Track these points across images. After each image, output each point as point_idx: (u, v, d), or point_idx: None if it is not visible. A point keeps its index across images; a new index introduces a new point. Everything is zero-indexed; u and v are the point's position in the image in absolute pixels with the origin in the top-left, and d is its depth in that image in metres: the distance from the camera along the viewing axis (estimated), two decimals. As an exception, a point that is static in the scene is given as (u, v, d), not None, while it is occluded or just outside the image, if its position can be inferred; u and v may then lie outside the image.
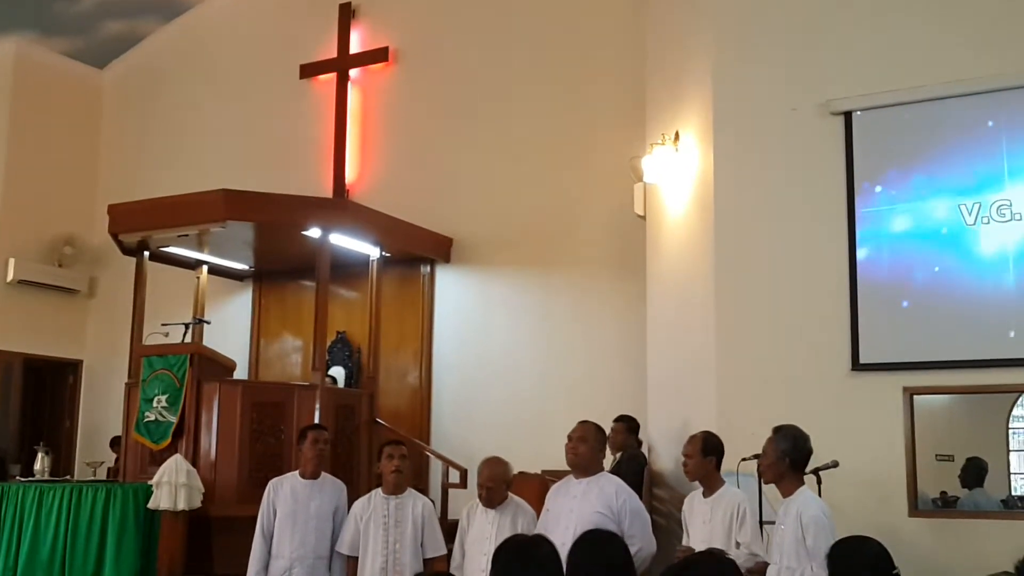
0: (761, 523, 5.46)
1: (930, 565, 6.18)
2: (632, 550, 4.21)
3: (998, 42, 6.88)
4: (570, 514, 5.24)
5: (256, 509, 6.16)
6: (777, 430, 4.98)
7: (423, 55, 11.35)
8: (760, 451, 5.22)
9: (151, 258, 10.17)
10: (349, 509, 6.15)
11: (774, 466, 4.88)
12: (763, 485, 5.25)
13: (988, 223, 6.75)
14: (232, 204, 9.12)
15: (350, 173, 11.55)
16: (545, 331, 10.17)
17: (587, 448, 5.41)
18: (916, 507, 6.73)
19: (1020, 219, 6.66)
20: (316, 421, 8.68)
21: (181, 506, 8.00)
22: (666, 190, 8.44)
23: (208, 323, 10.33)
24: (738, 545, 5.14)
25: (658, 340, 8.70)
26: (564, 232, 10.18)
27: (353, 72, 11.76)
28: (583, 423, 5.52)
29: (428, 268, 10.90)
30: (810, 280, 7.18)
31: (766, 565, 5.04)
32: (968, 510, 6.68)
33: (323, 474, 6.22)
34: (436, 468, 9.82)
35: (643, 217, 9.12)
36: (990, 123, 6.86)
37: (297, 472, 6.18)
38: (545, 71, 10.56)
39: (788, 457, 4.88)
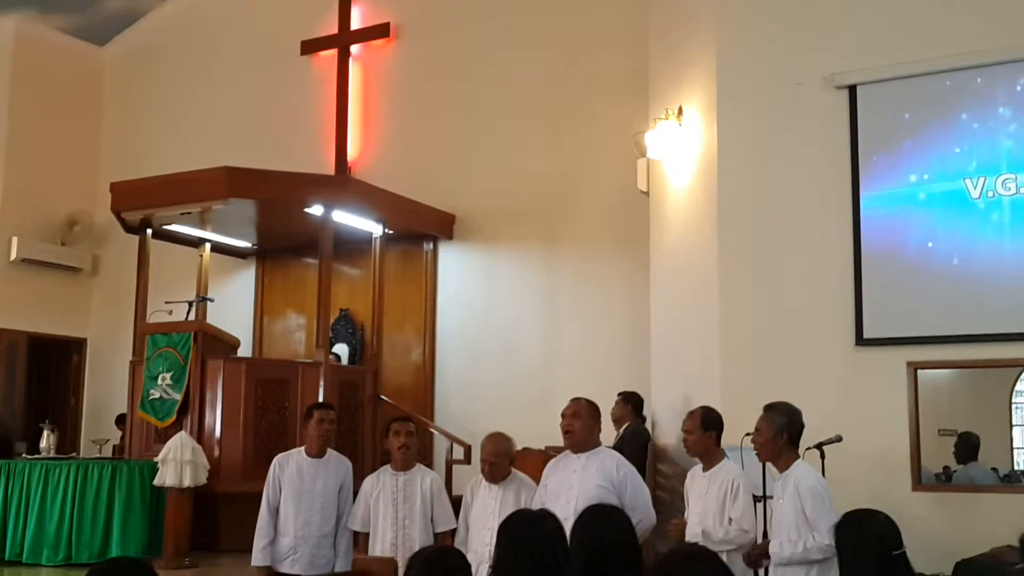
0: (764, 499, 5.47)
1: (933, 539, 6.19)
2: (632, 522, 4.22)
3: (1003, 15, 6.83)
4: (570, 489, 5.26)
5: (262, 485, 6.18)
6: (770, 407, 4.98)
7: (424, 31, 11.30)
8: (758, 428, 5.23)
9: (154, 236, 10.18)
10: (355, 486, 6.18)
11: (771, 443, 4.88)
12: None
13: (994, 197, 6.72)
14: (234, 181, 9.12)
15: (352, 150, 11.53)
16: (548, 307, 10.18)
17: (581, 424, 5.42)
18: (919, 481, 6.75)
19: (1024, 193, 6.63)
20: (320, 398, 8.70)
21: (187, 483, 8.04)
22: (669, 165, 8.42)
23: (211, 301, 10.34)
24: (731, 521, 5.16)
25: (662, 315, 8.70)
26: (567, 208, 10.17)
27: (354, 48, 11.72)
28: (575, 399, 5.53)
29: (431, 245, 10.89)
30: (814, 255, 7.16)
31: (752, 540, 5.08)
32: (964, 484, 6.69)
33: (328, 451, 6.23)
34: (440, 444, 9.85)
35: (646, 193, 9.10)
36: (996, 96, 6.82)
37: (303, 449, 6.19)
38: (547, 47, 10.52)
39: (785, 432, 4.89)
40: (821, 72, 7.24)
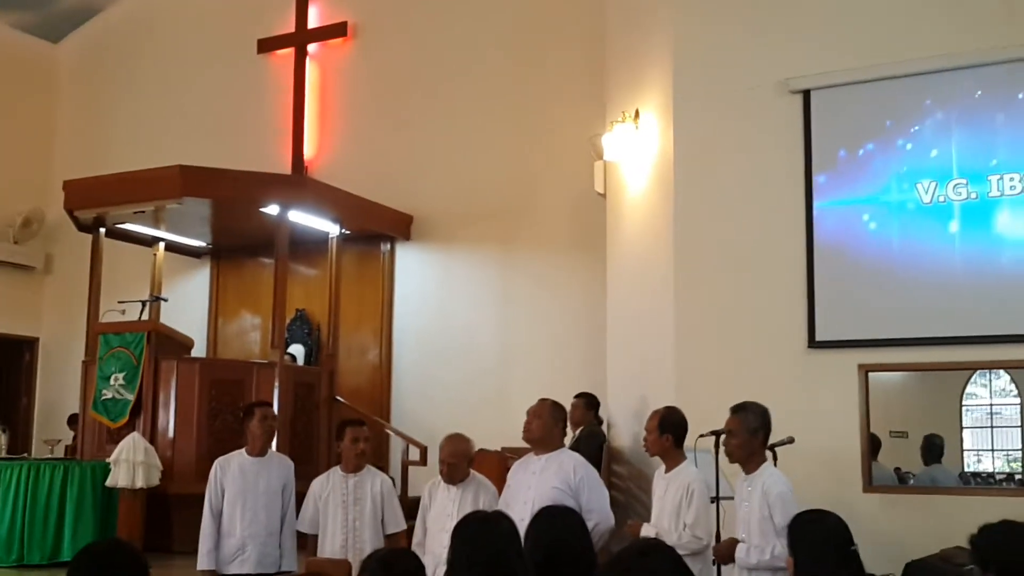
0: (718, 499, 5.50)
1: (884, 540, 6.26)
2: (589, 525, 4.25)
3: (953, 23, 6.92)
4: (528, 490, 5.29)
5: (216, 487, 6.14)
6: (741, 408, 4.94)
7: (382, 31, 11.27)
8: (717, 428, 5.24)
9: (107, 235, 10.08)
10: (298, 486, 6.16)
11: (746, 444, 4.82)
12: (728, 463, 5.27)
13: (944, 202, 6.81)
14: (189, 180, 9.05)
15: (309, 149, 11.47)
16: (505, 308, 10.20)
17: (540, 424, 5.45)
18: (870, 483, 6.83)
19: (975, 198, 6.73)
20: (275, 399, 8.67)
21: (139, 484, 7.98)
22: (626, 168, 8.46)
23: (165, 300, 10.27)
24: (685, 526, 5.18)
25: (618, 317, 8.74)
26: (524, 209, 10.19)
27: (311, 47, 11.67)
28: (541, 400, 5.58)
29: (388, 245, 10.87)
30: (768, 258, 7.23)
31: (705, 547, 5.09)
32: (921, 485, 6.78)
33: (270, 451, 6.21)
34: (396, 446, 9.82)
35: (603, 195, 9.14)
36: (947, 102, 6.91)
37: (244, 450, 6.15)
38: (505, 48, 10.54)
39: (761, 432, 4.87)
40: (776, 77, 7.31)
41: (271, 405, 6.54)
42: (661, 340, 7.56)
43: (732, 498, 5.18)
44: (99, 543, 3.07)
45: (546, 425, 5.47)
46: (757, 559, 4.66)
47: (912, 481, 6.83)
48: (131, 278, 10.56)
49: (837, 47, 7.18)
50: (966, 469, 6.74)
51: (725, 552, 4.91)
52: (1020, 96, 6.73)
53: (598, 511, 5.23)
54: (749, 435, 4.83)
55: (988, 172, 6.71)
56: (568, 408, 8.07)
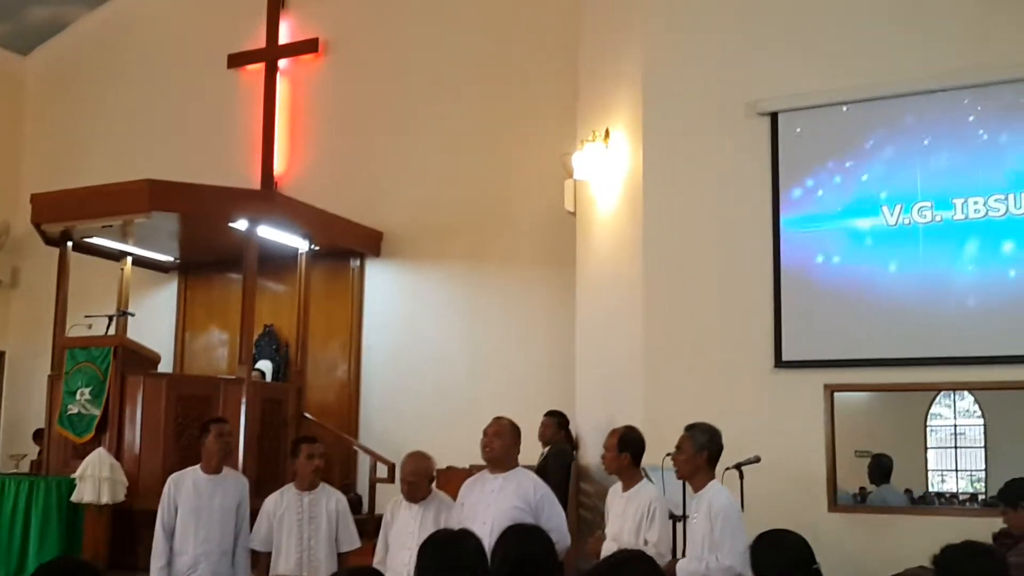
0: (685, 517, 5.53)
1: (849, 559, 6.32)
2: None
3: (917, 46, 7.03)
4: (487, 509, 5.28)
5: (181, 504, 6.10)
6: (692, 427, 5.08)
7: (353, 47, 11.28)
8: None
9: (75, 248, 9.99)
10: (251, 503, 6.14)
11: (691, 460, 4.98)
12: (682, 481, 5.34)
13: (909, 224, 6.89)
14: (157, 195, 8.99)
15: (279, 165, 11.45)
16: (475, 325, 10.19)
17: (501, 443, 5.45)
18: (835, 502, 6.87)
19: (940, 221, 6.82)
20: (242, 415, 8.64)
21: (105, 500, 7.91)
22: (596, 187, 8.51)
23: (132, 315, 10.18)
24: (646, 543, 5.21)
25: (587, 335, 8.77)
26: (495, 227, 10.20)
27: (282, 63, 11.65)
28: (498, 419, 5.57)
29: (358, 261, 10.84)
30: (736, 278, 7.28)
31: (668, 563, 5.13)
32: (879, 505, 6.84)
33: (225, 468, 6.17)
34: (364, 462, 9.79)
35: (573, 213, 9.17)
36: (912, 125, 7.01)
37: (199, 467, 6.11)
38: (477, 66, 10.56)
39: (706, 451, 4.98)
40: (744, 98, 7.39)
41: (227, 422, 6.49)
42: (630, 358, 7.59)
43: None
44: (55, 561, 3.05)
45: (507, 445, 5.47)
46: (692, 570, 4.78)
47: (867, 501, 6.89)
48: (98, 292, 10.48)
49: (805, 70, 7.27)
50: (930, 489, 6.80)
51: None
52: (978, 120, 6.83)
53: (556, 530, 5.24)
54: (695, 451, 4.98)
55: (953, 195, 6.80)
56: (539, 426, 8.18)
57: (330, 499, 5.92)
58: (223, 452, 6.12)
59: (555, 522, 5.30)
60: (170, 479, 6.10)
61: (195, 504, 5.96)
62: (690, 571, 4.77)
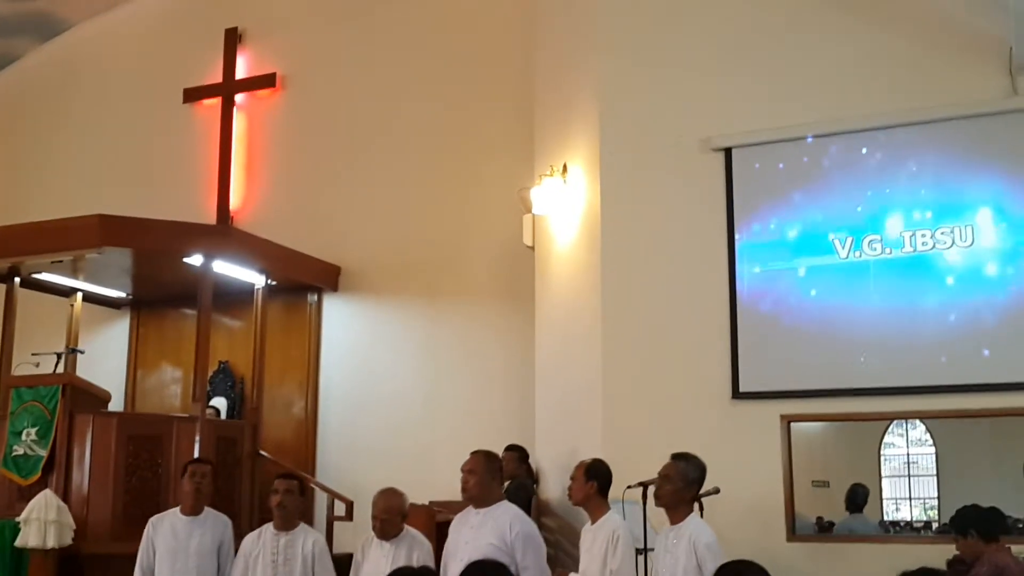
0: (645, 551, 5.51)
1: (808, 588, 6.35)
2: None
3: (869, 82, 7.19)
4: (466, 545, 5.23)
5: (132, 547, 6.00)
6: (683, 457, 5.03)
7: (311, 82, 11.27)
8: (644, 479, 5.30)
9: (22, 284, 9.81)
10: (236, 544, 6.03)
11: (680, 492, 4.91)
12: (651, 510, 5.31)
13: (860, 257, 7.02)
14: (108, 230, 8.85)
15: (235, 200, 11.35)
16: (433, 361, 10.14)
17: (476, 480, 5.37)
18: (794, 532, 6.91)
19: (889, 253, 6.95)
20: (196, 454, 8.48)
21: (51, 544, 7.70)
22: (554, 221, 8.54)
23: (82, 353, 10.00)
24: (611, 573, 5.18)
25: (546, 369, 8.77)
26: (453, 261, 10.18)
27: (239, 97, 11.59)
28: (474, 454, 5.50)
29: (315, 297, 10.75)
30: (693, 311, 7.34)
31: None
32: (843, 534, 6.89)
33: (206, 509, 6.07)
34: (322, 500, 9.66)
35: (532, 248, 9.19)
36: (860, 161, 7.16)
37: (178, 509, 6.03)
38: (434, 100, 10.58)
39: (696, 485, 4.96)
40: (699, 134, 7.49)
41: (206, 463, 6.38)
42: (588, 391, 7.60)
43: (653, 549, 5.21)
44: None
45: (482, 481, 5.39)
46: None
47: (834, 531, 6.93)
48: (46, 329, 10.29)
49: (760, 107, 7.40)
50: (885, 517, 6.86)
51: None
52: (925, 157, 6.97)
53: (534, 567, 5.19)
54: (685, 484, 4.94)
55: (903, 228, 6.95)
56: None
57: (307, 540, 5.83)
58: (197, 493, 6.03)
59: (532, 559, 5.21)
60: (150, 521, 6.05)
61: (172, 546, 5.88)
62: None
